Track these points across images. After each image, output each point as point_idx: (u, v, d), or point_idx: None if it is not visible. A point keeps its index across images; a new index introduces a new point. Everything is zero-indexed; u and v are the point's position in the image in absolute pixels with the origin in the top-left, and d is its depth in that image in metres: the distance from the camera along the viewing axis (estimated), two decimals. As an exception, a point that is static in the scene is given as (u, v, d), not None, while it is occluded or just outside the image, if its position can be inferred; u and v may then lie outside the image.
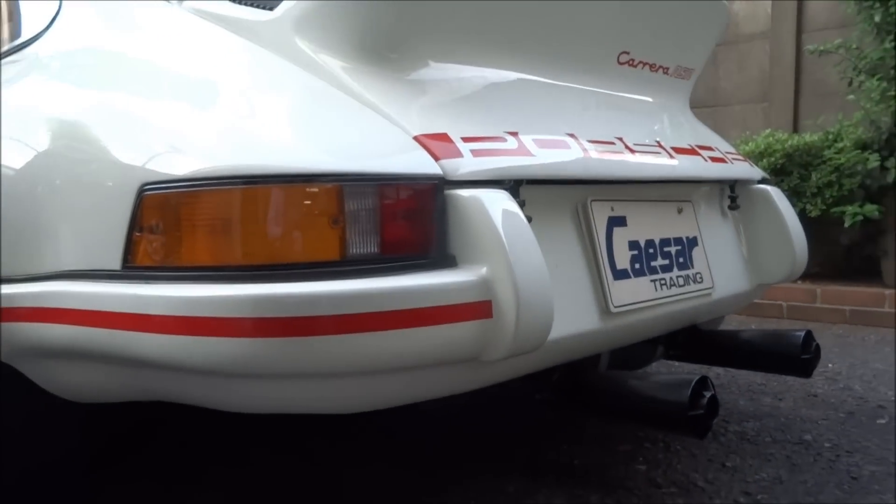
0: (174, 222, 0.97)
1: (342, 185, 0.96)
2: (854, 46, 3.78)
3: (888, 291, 3.45)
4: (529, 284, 0.99)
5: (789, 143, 3.87)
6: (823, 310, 3.57)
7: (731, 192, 1.71)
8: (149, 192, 0.99)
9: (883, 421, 2.09)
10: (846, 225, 3.61)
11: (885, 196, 3.68)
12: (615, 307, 1.27)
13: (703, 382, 1.14)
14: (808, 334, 1.50)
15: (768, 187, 1.74)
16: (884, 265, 3.78)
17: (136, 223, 1.01)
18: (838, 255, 4.24)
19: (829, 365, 2.79)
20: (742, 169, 1.71)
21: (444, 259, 1.02)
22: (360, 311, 0.90)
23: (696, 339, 1.67)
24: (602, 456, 1.83)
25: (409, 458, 1.84)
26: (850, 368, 2.72)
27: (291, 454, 1.89)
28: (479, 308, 0.98)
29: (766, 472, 1.71)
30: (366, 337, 0.91)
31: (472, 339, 0.98)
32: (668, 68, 1.69)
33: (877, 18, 3.60)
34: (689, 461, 1.78)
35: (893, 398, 2.32)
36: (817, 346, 1.50)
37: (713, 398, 1.13)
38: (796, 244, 1.69)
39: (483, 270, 0.99)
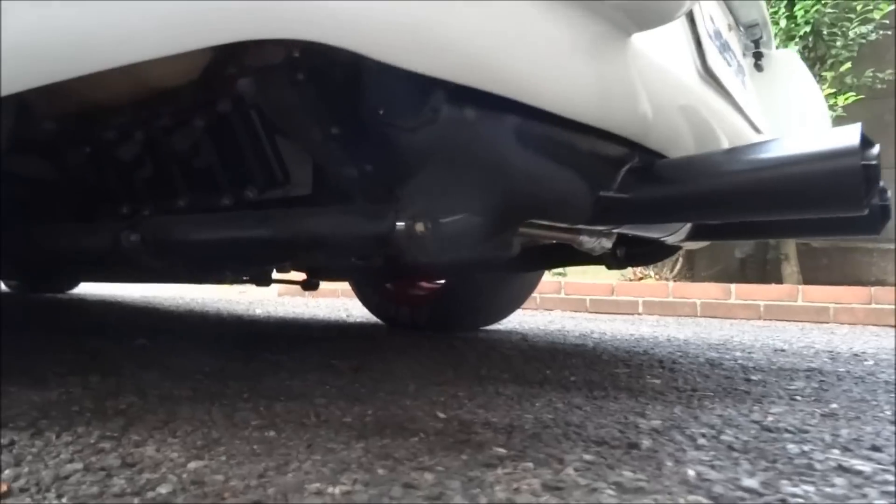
0: None
1: None
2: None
3: (788, 287, 3.41)
4: None
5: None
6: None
7: (757, 48, 1.45)
8: None
9: (870, 363, 1.88)
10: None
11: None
12: (710, 67, 0.92)
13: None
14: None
15: (792, 52, 1.51)
16: (784, 268, 3.79)
17: None
18: (733, 268, 4.26)
19: (741, 339, 2.62)
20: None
21: None
22: None
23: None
24: (588, 372, 1.45)
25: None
26: (794, 339, 2.55)
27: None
28: None
29: (797, 384, 1.41)
30: None
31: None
32: None
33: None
34: (702, 379, 1.44)
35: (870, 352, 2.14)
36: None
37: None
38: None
39: None
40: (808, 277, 3.83)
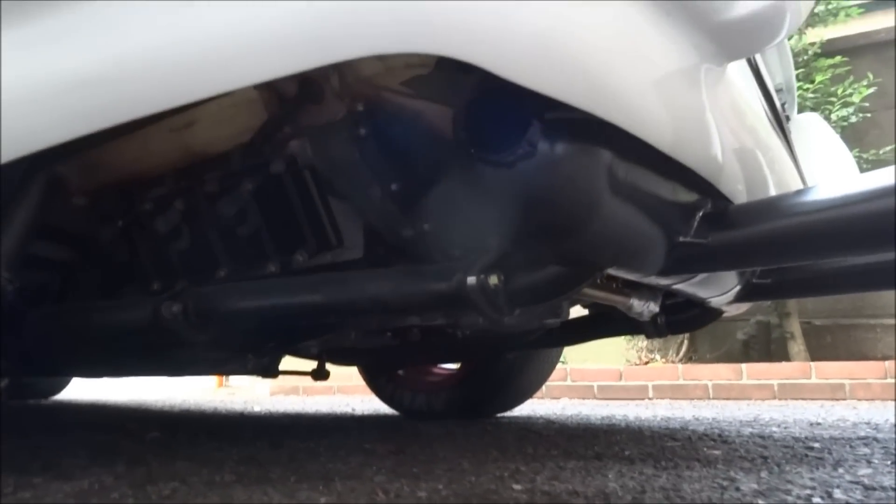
0: None
1: None
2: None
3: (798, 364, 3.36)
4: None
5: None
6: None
7: (783, 112, 1.47)
8: None
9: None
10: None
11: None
12: (779, 112, 0.92)
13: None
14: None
15: (816, 115, 1.53)
16: (791, 346, 3.77)
17: None
18: (737, 349, 4.23)
19: (769, 416, 2.54)
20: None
21: None
22: None
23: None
24: (639, 447, 1.37)
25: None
26: (822, 414, 2.49)
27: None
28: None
29: (863, 451, 1.34)
30: None
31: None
32: None
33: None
34: (762, 449, 1.37)
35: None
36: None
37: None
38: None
39: None
40: (814, 355, 3.80)
